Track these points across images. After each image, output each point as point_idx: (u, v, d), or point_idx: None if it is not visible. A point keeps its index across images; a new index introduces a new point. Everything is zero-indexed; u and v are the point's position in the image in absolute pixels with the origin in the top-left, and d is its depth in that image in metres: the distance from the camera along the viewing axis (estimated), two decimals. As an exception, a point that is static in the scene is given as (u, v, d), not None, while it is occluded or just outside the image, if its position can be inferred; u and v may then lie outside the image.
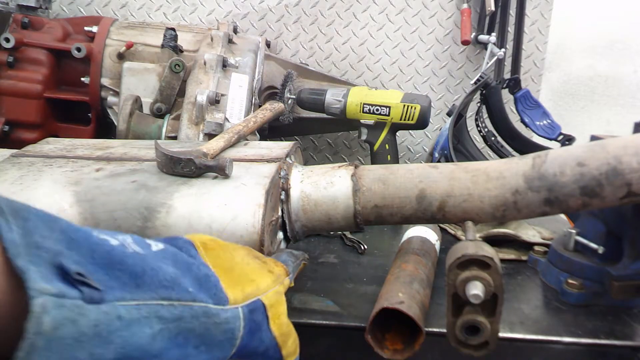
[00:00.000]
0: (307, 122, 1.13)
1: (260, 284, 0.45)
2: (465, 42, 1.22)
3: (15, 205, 0.31)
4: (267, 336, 0.44)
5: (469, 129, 1.14)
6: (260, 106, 0.99)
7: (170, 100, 0.95)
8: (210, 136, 0.86)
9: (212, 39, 0.97)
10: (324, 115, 1.07)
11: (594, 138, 0.63)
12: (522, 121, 1.15)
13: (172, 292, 0.35)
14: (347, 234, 0.84)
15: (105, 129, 1.08)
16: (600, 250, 0.66)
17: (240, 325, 0.41)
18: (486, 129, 1.13)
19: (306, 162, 1.15)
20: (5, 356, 0.30)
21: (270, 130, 1.08)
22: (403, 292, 0.54)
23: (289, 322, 0.48)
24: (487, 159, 1.08)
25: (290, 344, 0.47)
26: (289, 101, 1.06)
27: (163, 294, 0.35)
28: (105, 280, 0.32)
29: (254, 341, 0.43)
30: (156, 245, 0.39)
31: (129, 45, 0.99)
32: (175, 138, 0.89)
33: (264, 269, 0.48)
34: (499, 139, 1.13)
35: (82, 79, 1.01)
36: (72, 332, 0.29)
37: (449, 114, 1.06)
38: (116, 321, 0.31)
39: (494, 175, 0.58)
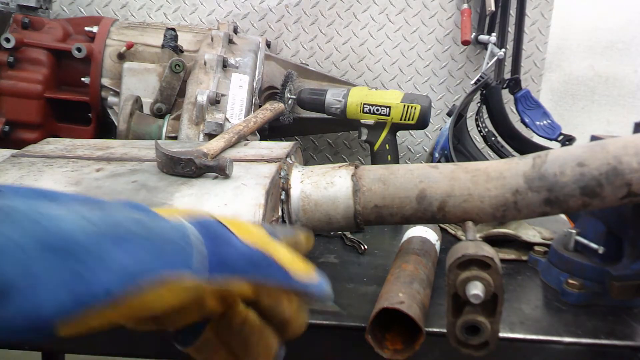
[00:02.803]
0: (307, 122, 1.13)
1: (200, 212, 0.40)
2: (465, 42, 1.22)
3: None
4: (241, 246, 0.38)
5: (469, 129, 1.14)
6: (260, 106, 0.99)
7: (171, 100, 0.95)
8: (210, 136, 0.86)
9: (212, 39, 0.97)
10: (324, 116, 1.07)
11: (594, 138, 0.63)
12: (522, 121, 1.15)
13: (98, 204, 0.34)
14: (347, 234, 0.84)
15: (105, 129, 1.08)
16: (601, 250, 0.66)
17: (190, 231, 0.36)
18: (486, 129, 1.13)
19: (306, 162, 1.15)
20: None
21: (270, 130, 1.08)
22: (403, 292, 0.54)
23: (268, 239, 0.41)
24: (487, 159, 1.08)
25: (282, 254, 0.40)
26: (289, 101, 1.06)
27: (89, 204, 0.33)
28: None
29: (227, 248, 0.37)
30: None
31: (129, 46, 0.99)
32: (175, 138, 0.89)
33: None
34: (499, 139, 1.13)
35: (83, 79, 1.01)
36: None
37: (449, 114, 1.06)
38: (37, 211, 0.29)
39: (494, 175, 0.58)
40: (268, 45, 1.17)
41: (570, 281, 0.66)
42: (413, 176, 0.59)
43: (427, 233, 0.72)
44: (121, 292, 0.31)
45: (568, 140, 1.10)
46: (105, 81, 1.01)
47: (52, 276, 0.29)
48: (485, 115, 1.14)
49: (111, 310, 0.31)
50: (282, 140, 1.08)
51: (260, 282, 0.38)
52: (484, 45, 1.22)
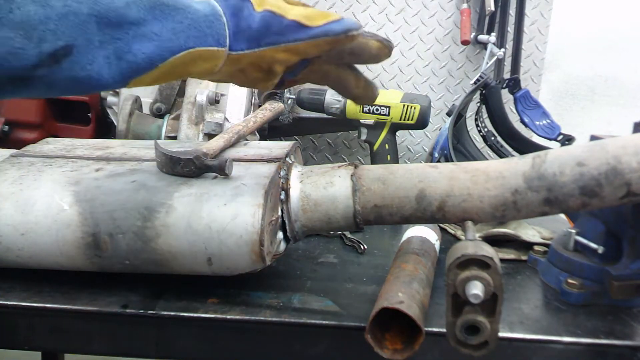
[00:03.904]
0: (306, 122, 1.13)
1: None
2: (465, 42, 1.22)
3: None
4: (255, 13, 0.44)
5: (468, 128, 1.14)
6: (260, 106, 0.99)
7: (170, 100, 0.95)
8: (210, 136, 0.86)
9: (211, 39, 0.97)
10: (324, 115, 1.07)
11: (593, 138, 0.63)
12: (522, 121, 1.15)
13: None
14: (347, 233, 0.84)
15: (105, 129, 1.08)
16: (600, 250, 0.66)
17: (218, 8, 0.43)
18: (486, 129, 1.13)
19: (306, 162, 1.15)
20: None
21: (270, 130, 1.08)
22: (403, 292, 0.54)
23: (284, 5, 0.46)
24: (486, 159, 1.08)
25: (298, 11, 0.46)
26: (289, 101, 1.06)
27: None
28: None
29: (244, 20, 0.44)
30: None
31: (129, 45, 0.99)
32: (175, 138, 0.89)
33: None
34: (499, 138, 1.13)
35: (82, 79, 1.01)
36: None
37: (448, 114, 1.06)
38: None
39: (493, 175, 0.58)
40: (268, 45, 1.16)
41: (570, 281, 0.66)
42: (412, 176, 0.59)
43: (426, 233, 0.72)
44: (161, 62, 0.39)
45: (567, 140, 1.10)
46: (104, 81, 1.01)
47: (105, 45, 0.36)
48: (485, 115, 1.14)
49: (157, 75, 0.40)
50: (281, 140, 1.08)
51: (281, 43, 0.45)
52: (484, 45, 1.22)
